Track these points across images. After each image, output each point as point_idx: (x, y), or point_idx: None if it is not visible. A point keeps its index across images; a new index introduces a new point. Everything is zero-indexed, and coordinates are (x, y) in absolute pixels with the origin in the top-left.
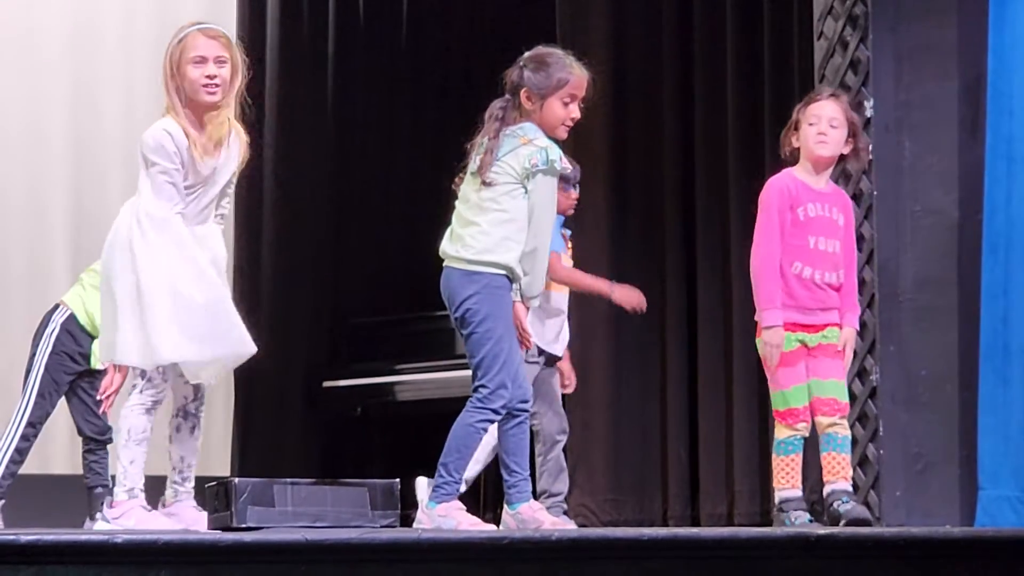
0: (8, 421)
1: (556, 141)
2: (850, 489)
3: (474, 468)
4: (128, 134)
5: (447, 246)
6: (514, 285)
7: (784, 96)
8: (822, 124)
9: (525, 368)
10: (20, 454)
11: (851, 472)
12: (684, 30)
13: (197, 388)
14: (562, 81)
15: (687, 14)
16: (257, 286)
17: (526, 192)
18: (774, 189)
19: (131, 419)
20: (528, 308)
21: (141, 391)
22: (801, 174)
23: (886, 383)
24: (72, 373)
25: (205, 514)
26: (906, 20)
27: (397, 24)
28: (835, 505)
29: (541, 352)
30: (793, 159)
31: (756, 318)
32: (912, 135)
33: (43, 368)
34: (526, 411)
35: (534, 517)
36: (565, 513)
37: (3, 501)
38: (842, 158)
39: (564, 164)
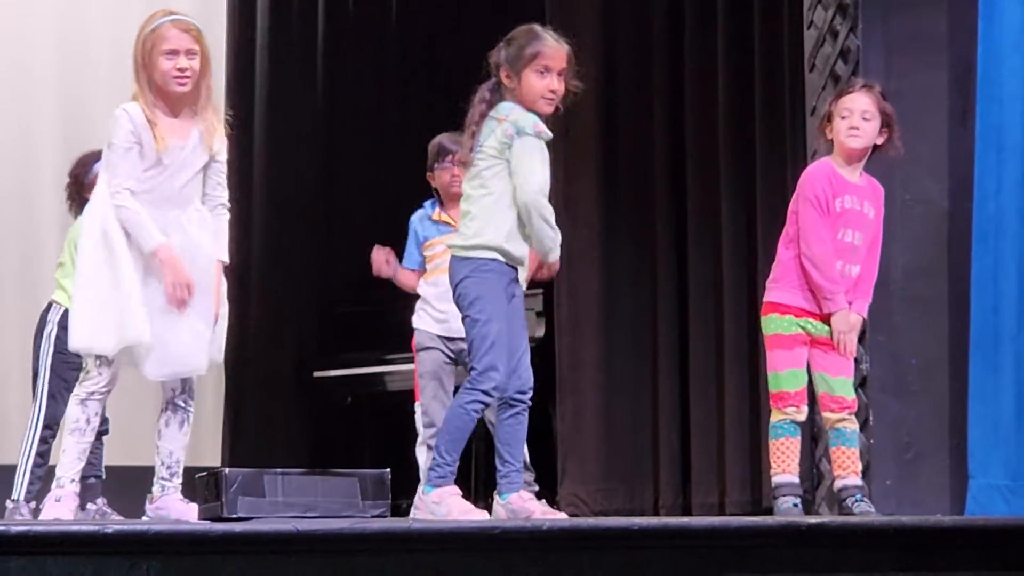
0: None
1: (541, 117)
2: (862, 484)
3: None
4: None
5: (449, 239)
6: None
7: (774, 85)
8: (854, 117)
9: (528, 356)
10: (42, 457)
11: (860, 466)
12: (674, 19)
13: (184, 380)
14: (534, 53)
15: (677, 2)
16: (247, 276)
17: (508, 169)
18: (817, 178)
19: (68, 408)
20: (554, 267)
21: (81, 382)
22: (837, 166)
23: (876, 372)
24: (77, 368)
25: (194, 506)
26: (896, 9)
27: (387, 15)
28: (848, 502)
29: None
30: (825, 152)
31: (766, 298)
32: (902, 124)
33: (49, 370)
34: (523, 402)
35: (524, 507)
36: (537, 496)
37: (34, 503)
38: (875, 148)
39: (540, 129)
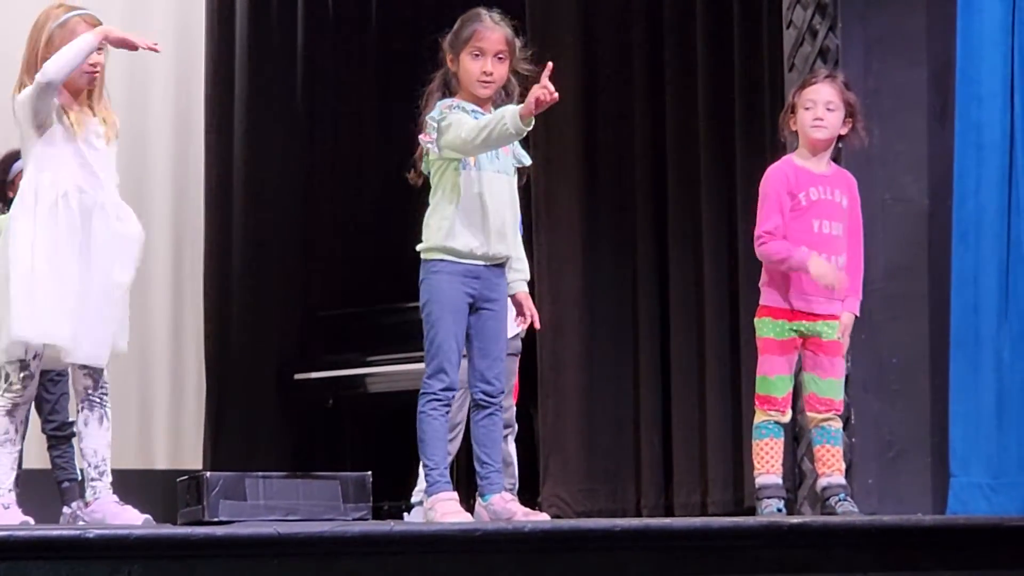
0: None
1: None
2: (845, 483)
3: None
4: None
5: None
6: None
7: (754, 85)
8: (818, 108)
9: (502, 362)
10: None
11: (843, 465)
12: (654, 19)
13: (96, 378)
14: (468, 35)
15: (657, 3)
16: (228, 279)
17: (453, 165)
18: (773, 176)
19: None
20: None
21: (3, 393)
22: (800, 159)
23: (858, 371)
24: None
25: (128, 507)
26: (875, 8)
27: (366, 17)
28: (831, 501)
29: None
30: (791, 143)
31: (760, 301)
32: (882, 123)
33: None
34: (493, 403)
35: (506, 508)
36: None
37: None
38: (840, 138)
39: (445, 107)
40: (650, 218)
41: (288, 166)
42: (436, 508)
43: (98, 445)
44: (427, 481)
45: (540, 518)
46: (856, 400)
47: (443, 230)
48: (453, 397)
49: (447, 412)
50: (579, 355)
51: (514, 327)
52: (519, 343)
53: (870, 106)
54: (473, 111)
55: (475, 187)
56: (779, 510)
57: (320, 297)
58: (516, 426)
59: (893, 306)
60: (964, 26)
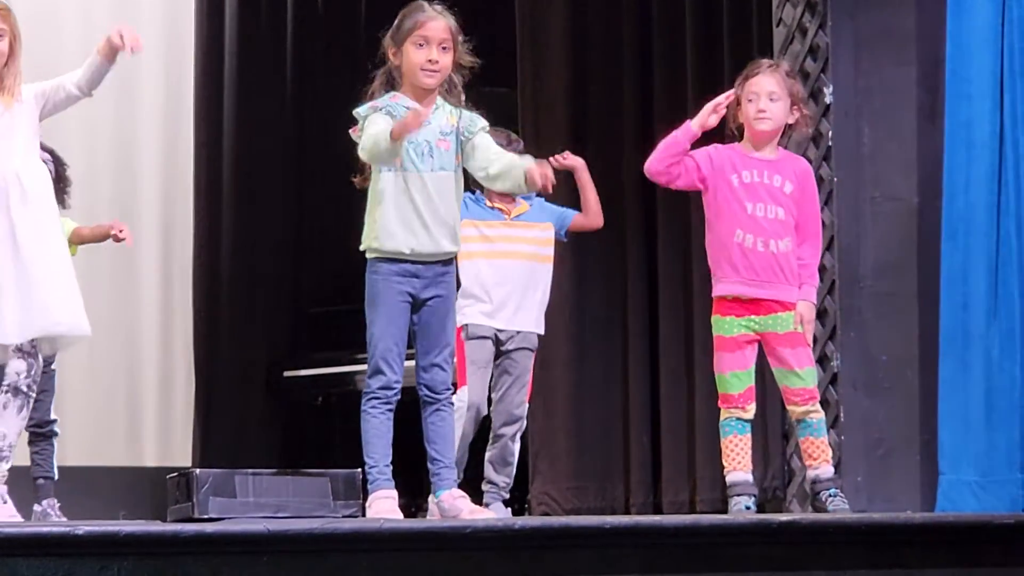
0: None
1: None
2: (834, 475)
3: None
4: (87, 131)
5: None
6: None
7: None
8: (761, 100)
9: (445, 358)
10: None
11: (830, 453)
12: (643, 17)
13: (30, 365)
14: (412, 24)
15: (646, 1)
16: (217, 276)
17: (375, 167)
18: (715, 149)
19: None
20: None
21: None
22: (745, 150)
23: (847, 369)
24: None
25: (9, 507)
26: (865, 6)
27: (356, 15)
28: (822, 496)
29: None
30: (741, 134)
31: (713, 293)
32: (871, 121)
33: None
34: (438, 399)
35: (454, 505)
36: (505, 503)
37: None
38: (788, 127)
39: (372, 104)
40: (639, 217)
41: (278, 162)
42: (372, 506)
43: (8, 430)
44: (368, 477)
45: (486, 515)
46: (845, 398)
47: (374, 232)
48: (395, 395)
49: (389, 411)
50: (568, 354)
51: (538, 324)
52: (535, 339)
53: (860, 104)
54: (409, 107)
55: (403, 188)
56: (748, 507)
57: (309, 294)
58: (525, 423)
59: (882, 304)
60: (954, 24)
